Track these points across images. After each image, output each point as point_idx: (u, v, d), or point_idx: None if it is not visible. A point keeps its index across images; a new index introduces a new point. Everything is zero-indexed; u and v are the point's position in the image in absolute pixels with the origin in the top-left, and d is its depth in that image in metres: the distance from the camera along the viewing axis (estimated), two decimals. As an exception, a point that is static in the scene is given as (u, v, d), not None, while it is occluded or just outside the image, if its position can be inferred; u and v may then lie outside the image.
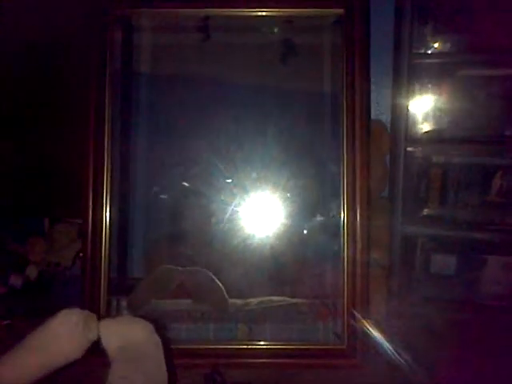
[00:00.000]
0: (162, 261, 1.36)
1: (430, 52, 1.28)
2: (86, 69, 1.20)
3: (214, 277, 1.29)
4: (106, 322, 0.91)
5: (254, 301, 1.29)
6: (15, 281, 1.42)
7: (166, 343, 0.86)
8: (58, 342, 0.86)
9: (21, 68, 1.42)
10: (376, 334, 1.09)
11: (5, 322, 1.27)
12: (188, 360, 1.12)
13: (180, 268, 1.31)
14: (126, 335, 0.88)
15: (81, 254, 1.22)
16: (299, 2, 1.24)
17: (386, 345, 1.07)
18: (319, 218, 1.34)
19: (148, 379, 0.77)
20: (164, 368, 0.80)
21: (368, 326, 1.10)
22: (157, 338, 0.86)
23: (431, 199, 1.32)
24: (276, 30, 1.42)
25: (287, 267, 1.35)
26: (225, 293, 1.28)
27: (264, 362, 1.14)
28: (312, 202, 1.34)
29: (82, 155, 1.17)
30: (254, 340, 1.20)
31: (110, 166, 1.18)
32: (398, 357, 1.05)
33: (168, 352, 0.84)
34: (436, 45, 1.28)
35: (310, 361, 1.14)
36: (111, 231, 1.17)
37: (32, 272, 1.44)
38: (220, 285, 1.29)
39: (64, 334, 0.86)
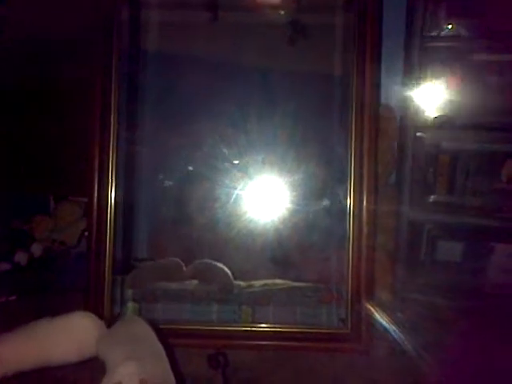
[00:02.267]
0: (166, 242, 1.36)
1: (442, 35, 1.26)
2: (92, 47, 1.18)
3: (216, 263, 1.30)
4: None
5: (257, 283, 1.30)
6: (20, 258, 1.43)
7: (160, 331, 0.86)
8: (63, 341, 0.87)
9: (29, 47, 1.41)
10: (381, 318, 1.09)
11: (10, 298, 1.28)
12: (191, 340, 1.13)
13: (184, 267, 1.32)
14: (115, 329, 0.89)
15: (86, 233, 1.22)
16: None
17: (391, 329, 1.07)
18: (325, 203, 1.33)
19: (149, 358, 0.77)
20: (161, 349, 0.80)
21: (373, 310, 1.10)
22: (147, 326, 0.85)
23: (439, 186, 1.31)
24: (283, 12, 1.39)
25: (292, 251, 1.35)
26: (229, 273, 1.28)
27: (267, 344, 1.15)
28: (318, 187, 1.34)
29: (88, 134, 1.16)
30: (257, 322, 1.20)
31: (115, 145, 1.17)
32: (403, 341, 1.05)
33: (164, 338, 0.84)
34: (449, 27, 1.25)
35: (312, 344, 1.15)
36: (116, 211, 1.17)
37: (37, 249, 1.45)
38: (224, 267, 1.29)
39: (72, 336, 0.88)
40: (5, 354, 0.81)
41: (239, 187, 1.30)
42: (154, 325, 0.87)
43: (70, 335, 0.88)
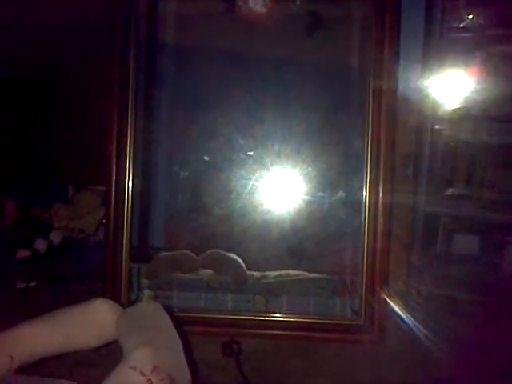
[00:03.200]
0: (182, 232, 1.37)
1: (462, 25, 1.24)
2: (111, 37, 1.19)
3: (226, 253, 1.31)
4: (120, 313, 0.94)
5: (271, 274, 1.30)
6: (40, 245, 1.46)
7: (176, 319, 0.88)
8: (84, 328, 0.91)
9: (49, 37, 1.42)
10: (395, 310, 1.09)
11: (30, 284, 1.31)
12: (206, 328, 1.14)
13: (196, 257, 1.32)
14: (133, 312, 0.91)
15: (104, 221, 1.24)
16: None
17: (405, 321, 1.07)
18: (341, 194, 1.33)
19: (163, 345, 0.79)
20: (176, 337, 0.81)
21: (387, 302, 1.10)
22: (164, 313, 0.87)
23: (456, 178, 1.30)
24: (298, 1, 1.38)
25: (307, 242, 1.35)
26: (243, 264, 1.29)
27: (280, 334, 1.16)
28: (334, 178, 1.33)
29: (107, 124, 1.17)
30: (270, 312, 1.21)
31: (133, 135, 1.18)
32: (417, 333, 1.04)
33: (179, 325, 0.86)
34: (470, 17, 1.23)
35: (325, 335, 1.15)
36: (133, 200, 1.18)
37: (56, 237, 1.48)
38: (236, 257, 1.30)
39: (93, 322, 0.91)
40: (30, 338, 0.84)
41: (255, 178, 1.30)
42: (170, 312, 0.89)
43: (91, 321, 0.91)
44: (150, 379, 0.68)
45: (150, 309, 0.90)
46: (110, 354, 0.94)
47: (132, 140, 1.18)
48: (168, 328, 0.84)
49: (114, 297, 1.13)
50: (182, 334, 0.83)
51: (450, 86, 1.27)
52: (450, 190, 1.29)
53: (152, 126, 1.39)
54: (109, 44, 1.18)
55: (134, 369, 0.69)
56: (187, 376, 0.76)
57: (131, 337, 0.81)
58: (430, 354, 1.02)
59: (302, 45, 1.41)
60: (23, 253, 1.43)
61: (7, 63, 1.42)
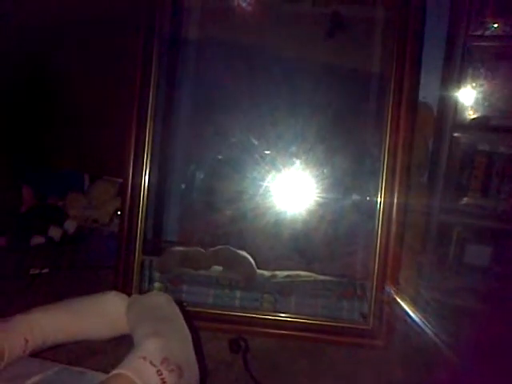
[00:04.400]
0: (195, 228, 1.38)
1: (487, 34, 1.22)
2: (134, 32, 1.20)
3: (237, 250, 1.31)
4: (130, 298, 0.97)
5: (281, 274, 1.30)
6: (54, 233, 1.48)
7: (186, 312, 0.89)
8: (97, 318, 0.93)
9: (71, 29, 1.44)
10: (403, 316, 1.08)
11: (43, 271, 1.33)
12: (214, 324, 1.15)
13: (206, 252, 1.33)
14: (145, 302, 0.93)
15: (119, 212, 1.25)
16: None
17: (413, 328, 1.07)
18: (355, 197, 1.33)
19: (174, 337, 0.80)
20: (186, 330, 0.82)
21: (397, 305, 1.09)
22: (174, 305, 0.89)
23: (472, 188, 1.28)
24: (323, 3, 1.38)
25: (318, 244, 1.35)
26: (252, 262, 1.29)
27: (287, 334, 1.16)
28: (348, 181, 1.33)
29: (127, 117, 1.18)
30: (278, 311, 1.21)
31: (152, 129, 1.19)
32: (425, 339, 1.04)
33: (189, 319, 0.87)
34: (495, 26, 1.21)
35: (332, 337, 1.15)
36: (149, 194, 1.19)
37: (70, 226, 1.49)
38: (246, 255, 1.30)
39: (106, 314, 0.94)
40: (45, 324, 0.85)
41: (268, 178, 1.30)
42: (180, 305, 0.90)
43: (104, 313, 0.94)
44: (159, 370, 0.69)
45: (161, 300, 0.92)
46: (119, 343, 0.95)
47: (151, 135, 1.19)
48: (178, 320, 0.85)
49: (126, 288, 1.15)
50: (192, 328, 0.84)
51: (471, 95, 1.26)
52: (465, 200, 1.28)
53: (171, 122, 1.40)
54: (133, 39, 1.19)
55: (145, 359, 0.69)
56: (195, 369, 0.77)
57: (142, 326, 0.82)
58: (438, 360, 1.02)
59: (322, 45, 1.40)
60: (38, 239, 1.45)
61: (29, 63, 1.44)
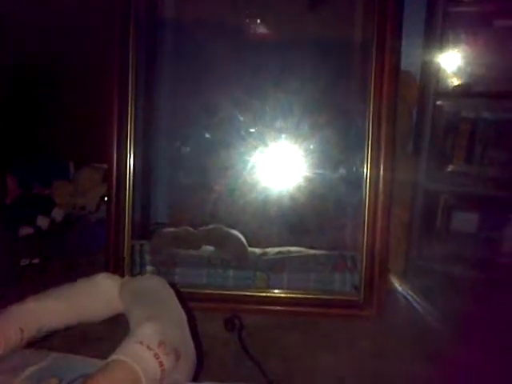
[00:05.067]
0: (184, 208, 1.37)
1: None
2: (110, 13, 1.17)
3: (228, 229, 1.31)
4: (123, 279, 0.99)
5: (272, 250, 1.31)
6: (42, 222, 1.47)
7: (180, 294, 0.90)
8: (91, 301, 0.94)
9: (47, 15, 1.40)
10: (394, 286, 1.10)
11: (33, 261, 1.32)
12: (208, 304, 1.16)
13: (196, 231, 1.33)
14: (139, 285, 0.93)
15: (105, 198, 1.24)
16: None
17: (405, 297, 1.08)
18: (342, 171, 1.33)
19: (169, 320, 0.80)
20: (181, 312, 0.83)
21: (387, 278, 1.11)
22: (168, 287, 0.90)
23: (457, 155, 1.29)
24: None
25: (307, 219, 1.36)
26: (243, 240, 1.30)
27: (281, 310, 1.17)
28: (335, 154, 1.33)
29: (107, 101, 1.16)
30: (271, 288, 1.22)
31: (133, 112, 1.17)
32: (416, 309, 1.06)
33: (183, 300, 0.87)
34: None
35: (325, 310, 1.17)
36: (135, 177, 1.18)
37: (58, 214, 1.48)
38: (238, 234, 1.31)
39: (99, 296, 0.95)
40: (39, 312, 0.86)
41: (255, 155, 1.30)
42: (174, 287, 0.90)
43: (95, 295, 0.95)
44: (156, 354, 0.69)
45: (154, 282, 0.92)
46: (114, 329, 0.96)
47: (133, 117, 1.17)
48: (173, 302, 0.86)
49: (117, 273, 1.14)
50: (186, 309, 0.84)
51: (453, 62, 1.26)
52: (450, 167, 1.29)
53: (153, 103, 1.38)
54: (109, 22, 1.16)
55: (141, 343, 0.70)
56: (192, 350, 0.78)
57: (137, 310, 0.83)
58: (429, 329, 1.04)
59: (303, 20, 1.38)
60: (26, 230, 1.44)
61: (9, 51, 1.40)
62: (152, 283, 0.93)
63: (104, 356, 0.70)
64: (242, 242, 1.30)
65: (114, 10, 1.16)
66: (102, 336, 0.99)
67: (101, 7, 1.20)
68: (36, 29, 1.40)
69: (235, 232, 1.32)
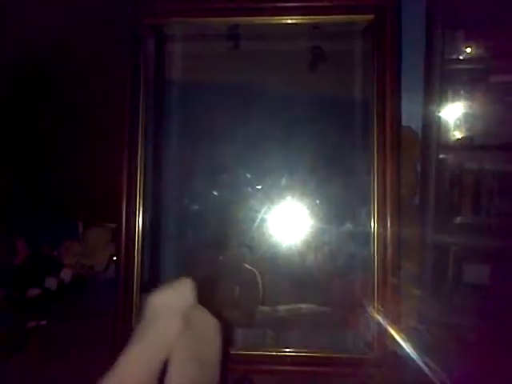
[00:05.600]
0: (193, 265, 1.37)
1: (462, 57, 1.27)
2: (120, 77, 1.23)
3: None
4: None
5: (282, 308, 1.29)
6: (50, 283, 1.47)
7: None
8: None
9: (58, 75, 1.47)
10: (406, 344, 1.07)
11: (41, 323, 1.31)
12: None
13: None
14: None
15: (114, 258, 1.24)
16: (328, 10, 1.23)
17: (416, 355, 1.05)
18: (348, 226, 1.33)
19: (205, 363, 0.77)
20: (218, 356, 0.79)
21: (399, 336, 1.09)
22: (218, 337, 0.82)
23: (464, 207, 1.30)
24: (303, 37, 1.42)
25: (316, 275, 1.35)
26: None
27: (292, 370, 1.14)
28: (341, 210, 1.34)
29: (117, 161, 1.20)
30: (281, 347, 1.19)
31: (142, 171, 1.20)
32: (425, 366, 1.03)
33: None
34: (468, 50, 1.26)
35: (338, 369, 1.14)
36: (144, 236, 1.19)
37: (66, 275, 1.48)
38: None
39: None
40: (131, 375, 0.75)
41: (263, 211, 1.31)
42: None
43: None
44: None
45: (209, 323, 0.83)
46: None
47: (142, 176, 1.20)
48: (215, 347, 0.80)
49: (126, 333, 1.13)
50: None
51: (453, 117, 1.30)
52: (458, 219, 1.29)
53: (161, 161, 1.42)
54: (118, 86, 1.22)
55: None
56: None
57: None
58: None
59: (305, 79, 1.44)
60: (33, 291, 1.44)
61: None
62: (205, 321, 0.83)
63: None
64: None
65: (124, 70, 1.22)
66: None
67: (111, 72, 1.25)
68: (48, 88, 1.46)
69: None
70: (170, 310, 0.80)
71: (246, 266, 1.31)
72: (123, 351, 0.76)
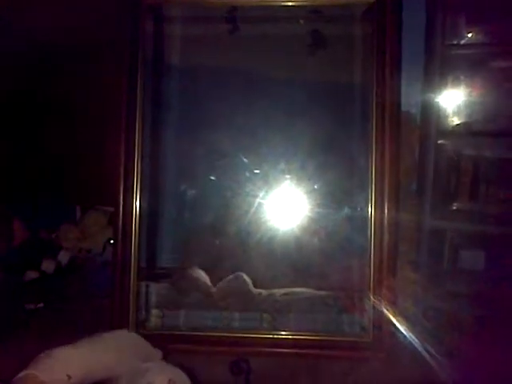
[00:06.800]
0: (190, 250, 1.38)
1: (462, 43, 1.25)
2: (118, 59, 1.22)
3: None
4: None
5: (278, 291, 1.30)
6: (47, 266, 1.47)
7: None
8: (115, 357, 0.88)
9: (56, 59, 1.45)
10: (403, 327, 1.08)
11: (38, 305, 1.31)
12: (214, 347, 1.14)
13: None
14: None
15: (111, 241, 1.24)
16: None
17: (413, 338, 1.06)
18: (346, 211, 1.34)
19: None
20: None
21: (395, 320, 1.09)
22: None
23: (461, 193, 1.29)
24: (302, 21, 1.40)
25: (313, 259, 1.35)
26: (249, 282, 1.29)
27: (288, 352, 1.15)
28: (339, 195, 1.34)
29: (114, 145, 1.19)
30: (278, 330, 1.20)
31: (140, 155, 1.20)
32: (425, 350, 1.04)
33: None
34: (469, 35, 1.25)
35: (333, 352, 1.15)
36: (141, 219, 1.19)
37: (64, 258, 1.48)
38: (244, 276, 1.30)
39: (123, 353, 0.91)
40: (85, 358, 0.82)
41: (260, 196, 1.31)
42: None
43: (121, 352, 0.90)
44: None
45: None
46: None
47: (139, 160, 1.20)
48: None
49: (122, 316, 1.14)
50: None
51: (453, 103, 1.29)
52: (455, 205, 1.29)
53: (159, 146, 1.41)
54: (116, 67, 1.20)
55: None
56: None
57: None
58: (438, 371, 1.01)
59: (304, 63, 1.43)
60: (32, 274, 1.44)
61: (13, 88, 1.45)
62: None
63: None
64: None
65: (122, 55, 1.21)
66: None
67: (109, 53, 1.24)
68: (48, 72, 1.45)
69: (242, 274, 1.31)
70: None
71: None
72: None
